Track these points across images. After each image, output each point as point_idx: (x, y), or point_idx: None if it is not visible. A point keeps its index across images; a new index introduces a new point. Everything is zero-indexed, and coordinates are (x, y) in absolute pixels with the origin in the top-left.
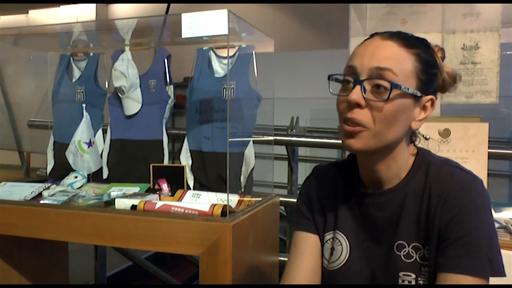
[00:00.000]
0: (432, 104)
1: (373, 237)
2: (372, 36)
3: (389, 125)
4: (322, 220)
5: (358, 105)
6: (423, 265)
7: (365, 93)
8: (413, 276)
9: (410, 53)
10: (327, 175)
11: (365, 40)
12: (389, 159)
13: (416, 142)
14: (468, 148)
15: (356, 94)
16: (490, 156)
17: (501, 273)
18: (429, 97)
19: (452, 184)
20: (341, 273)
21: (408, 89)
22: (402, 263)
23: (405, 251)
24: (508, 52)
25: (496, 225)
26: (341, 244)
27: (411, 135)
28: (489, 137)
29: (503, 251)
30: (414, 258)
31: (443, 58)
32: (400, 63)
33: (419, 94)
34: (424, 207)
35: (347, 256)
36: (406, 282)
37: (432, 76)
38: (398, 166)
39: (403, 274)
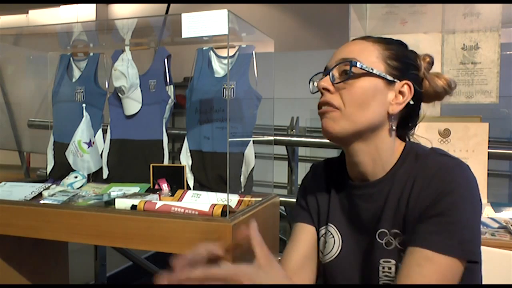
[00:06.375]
0: (410, 89)
1: (362, 229)
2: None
3: (359, 106)
4: (317, 215)
5: (328, 91)
6: (402, 250)
7: (333, 80)
8: (393, 262)
9: (377, 44)
10: (322, 171)
11: None
12: (371, 149)
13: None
14: (468, 148)
15: (324, 81)
16: (490, 156)
17: (475, 256)
18: (404, 82)
19: (435, 169)
20: (334, 266)
21: (372, 69)
22: (383, 250)
23: (386, 238)
24: (508, 52)
25: (496, 225)
26: (333, 237)
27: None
28: (489, 137)
29: (503, 251)
30: (393, 245)
31: (431, 63)
32: (364, 53)
33: (389, 77)
34: (406, 194)
35: (339, 249)
36: (386, 269)
37: (405, 64)
38: (382, 158)
39: (383, 261)
